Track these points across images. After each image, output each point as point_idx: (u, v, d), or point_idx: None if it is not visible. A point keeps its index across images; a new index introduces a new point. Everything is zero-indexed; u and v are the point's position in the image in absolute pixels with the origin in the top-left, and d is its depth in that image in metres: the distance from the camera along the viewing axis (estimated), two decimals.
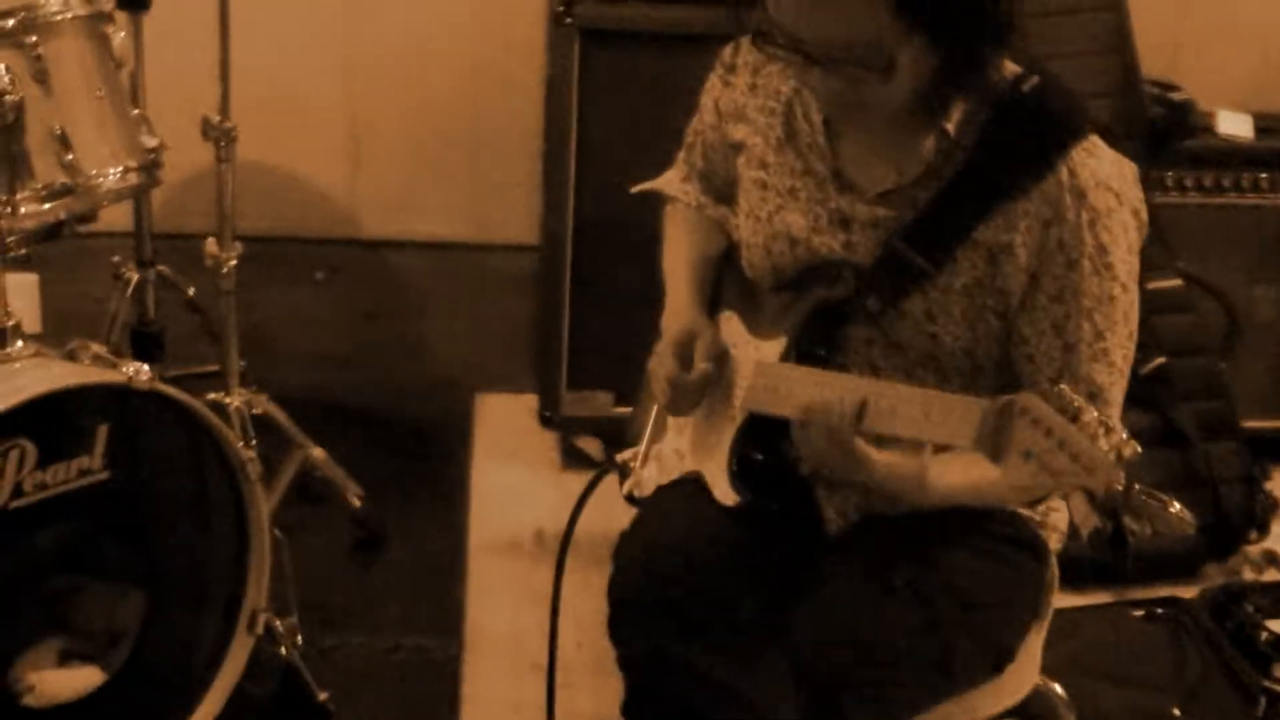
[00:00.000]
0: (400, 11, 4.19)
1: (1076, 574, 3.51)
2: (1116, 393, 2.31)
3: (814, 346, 2.40)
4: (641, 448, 2.62)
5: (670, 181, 2.74)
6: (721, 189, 2.65)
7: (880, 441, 2.19)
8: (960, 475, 2.28)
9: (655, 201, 2.78)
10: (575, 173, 3.86)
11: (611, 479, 2.69)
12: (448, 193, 4.35)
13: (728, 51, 2.58)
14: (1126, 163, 2.31)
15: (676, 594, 2.37)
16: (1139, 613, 3.56)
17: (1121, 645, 3.48)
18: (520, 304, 4.34)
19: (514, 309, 4.37)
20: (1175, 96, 4.06)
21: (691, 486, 2.51)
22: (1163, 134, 4.01)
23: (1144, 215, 2.32)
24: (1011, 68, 2.33)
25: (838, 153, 2.41)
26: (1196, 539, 3.74)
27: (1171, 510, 1.97)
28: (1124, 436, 1.95)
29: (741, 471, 2.43)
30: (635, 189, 2.81)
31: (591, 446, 4.10)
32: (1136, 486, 1.96)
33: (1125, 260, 2.28)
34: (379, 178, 4.33)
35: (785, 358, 2.41)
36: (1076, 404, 1.98)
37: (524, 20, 4.07)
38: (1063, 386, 2.07)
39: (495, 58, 4.21)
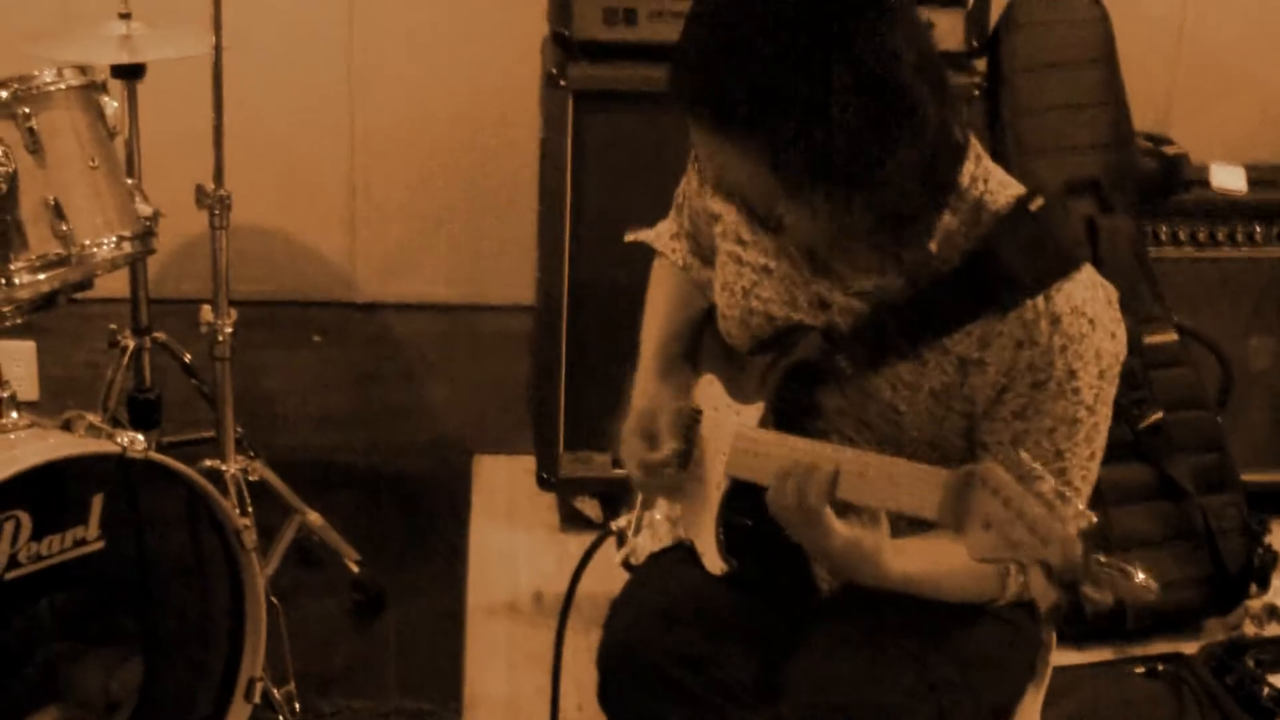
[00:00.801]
0: (399, 76, 4.21)
1: (1078, 631, 3.51)
2: None
3: (791, 411, 2.39)
4: (634, 515, 2.61)
5: (661, 236, 2.75)
6: (706, 253, 2.65)
7: (842, 512, 2.17)
8: (919, 562, 2.25)
9: (649, 260, 2.79)
10: (570, 234, 3.87)
11: (610, 542, 2.68)
12: (444, 255, 4.36)
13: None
14: (1107, 286, 2.28)
15: (666, 661, 2.36)
16: (1140, 669, 3.54)
17: (1123, 702, 3.46)
18: (517, 365, 4.34)
19: (511, 370, 4.37)
20: (1168, 150, 4.07)
21: (683, 553, 2.50)
22: (1156, 188, 4.01)
23: (1122, 338, 2.28)
24: (1015, 187, 2.31)
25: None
26: (1197, 593, 3.74)
27: (1136, 580, 1.94)
28: (1081, 507, 1.93)
29: (730, 538, 2.42)
30: (628, 237, 2.81)
31: (590, 508, 4.10)
32: (1099, 557, 1.94)
33: (1093, 385, 2.25)
34: (376, 240, 4.34)
35: (764, 423, 2.40)
36: (1036, 471, 1.96)
37: (519, 83, 4.08)
38: (1023, 453, 2.04)
39: (491, 120, 4.23)
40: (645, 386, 2.61)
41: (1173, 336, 3.86)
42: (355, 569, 3.75)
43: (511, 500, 4.24)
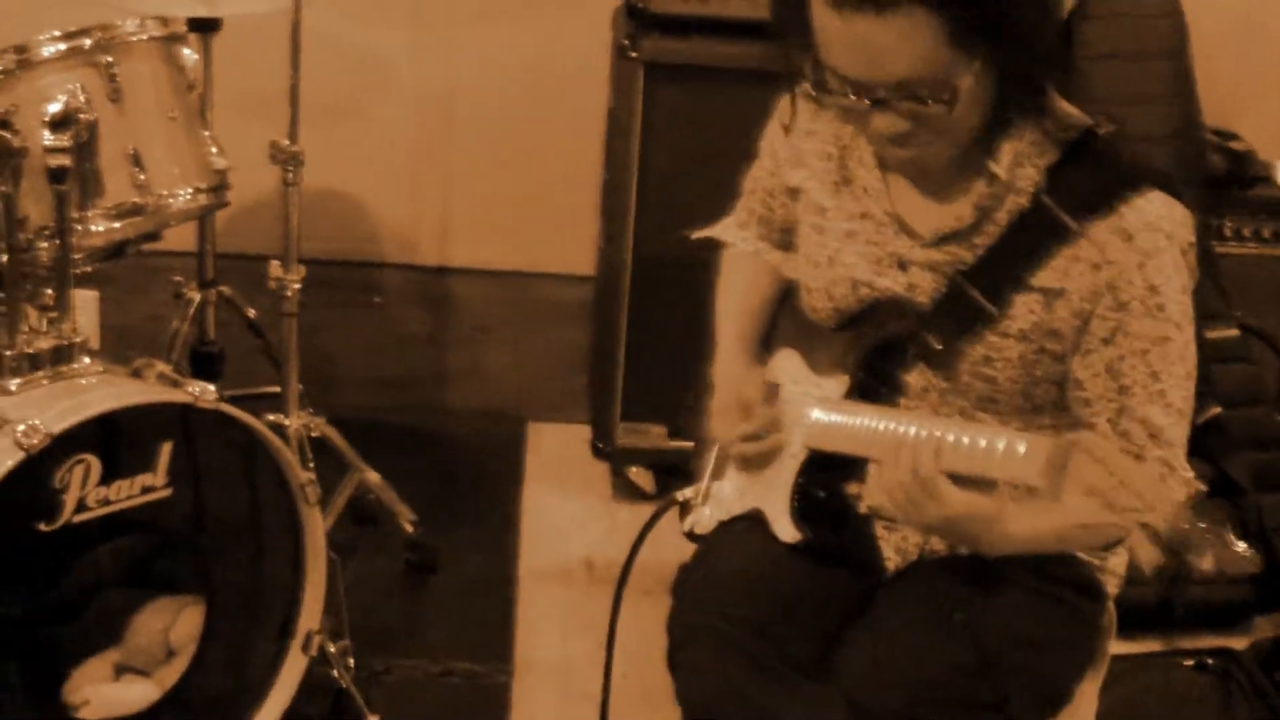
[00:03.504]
0: (468, 42, 4.22)
1: (1127, 622, 3.51)
2: (1177, 433, 2.28)
3: (875, 384, 2.42)
4: (703, 485, 2.63)
5: (727, 228, 2.76)
6: (780, 234, 2.66)
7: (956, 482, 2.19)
8: (1035, 520, 2.25)
9: (713, 239, 2.80)
10: (635, 205, 3.88)
11: (670, 514, 2.69)
12: (507, 221, 4.37)
13: (787, 98, 2.59)
14: (1179, 206, 2.29)
15: (736, 629, 2.37)
16: (1189, 663, 3.55)
17: (1171, 695, 3.47)
18: (576, 334, 4.36)
19: (570, 339, 4.39)
20: (1235, 146, 4.06)
21: (752, 523, 2.51)
22: (1222, 183, 4.01)
23: (1192, 259, 2.30)
24: (1083, 117, 2.34)
25: (893, 198, 2.43)
26: (1248, 590, 3.73)
27: (1236, 549, 1.97)
28: (1187, 475, 1.95)
29: (802, 509, 2.44)
30: (694, 236, 2.82)
31: (643, 479, 4.11)
32: (1200, 524, 1.96)
33: (1178, 300, 2.27)
34: (440, 204, 4.36)
35: (848, 395, 2.42)
36: (1140, 443, 1.97)
37: (588, 52, 4.09)
38: (1126, 427, 2.05)
39: (559, 89, 4.23)
40: (729, 367, 2.62)
41: (1234, 332, 3.84)
42: (410, 529, 3.77)
43: (565, 468, 4.25)
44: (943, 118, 2.20)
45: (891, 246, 2.42)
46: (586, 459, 4.11)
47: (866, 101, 2.21)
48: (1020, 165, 2.30)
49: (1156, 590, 3.60)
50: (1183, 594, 3.62)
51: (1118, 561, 2.54)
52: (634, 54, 3.76)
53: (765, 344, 2.66)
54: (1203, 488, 1.96)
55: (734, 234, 2.74)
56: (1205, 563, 1.96)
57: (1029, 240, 2.30)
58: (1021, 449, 2.11)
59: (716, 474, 2.62)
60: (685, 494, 2.64)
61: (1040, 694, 2.42)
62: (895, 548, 2.49)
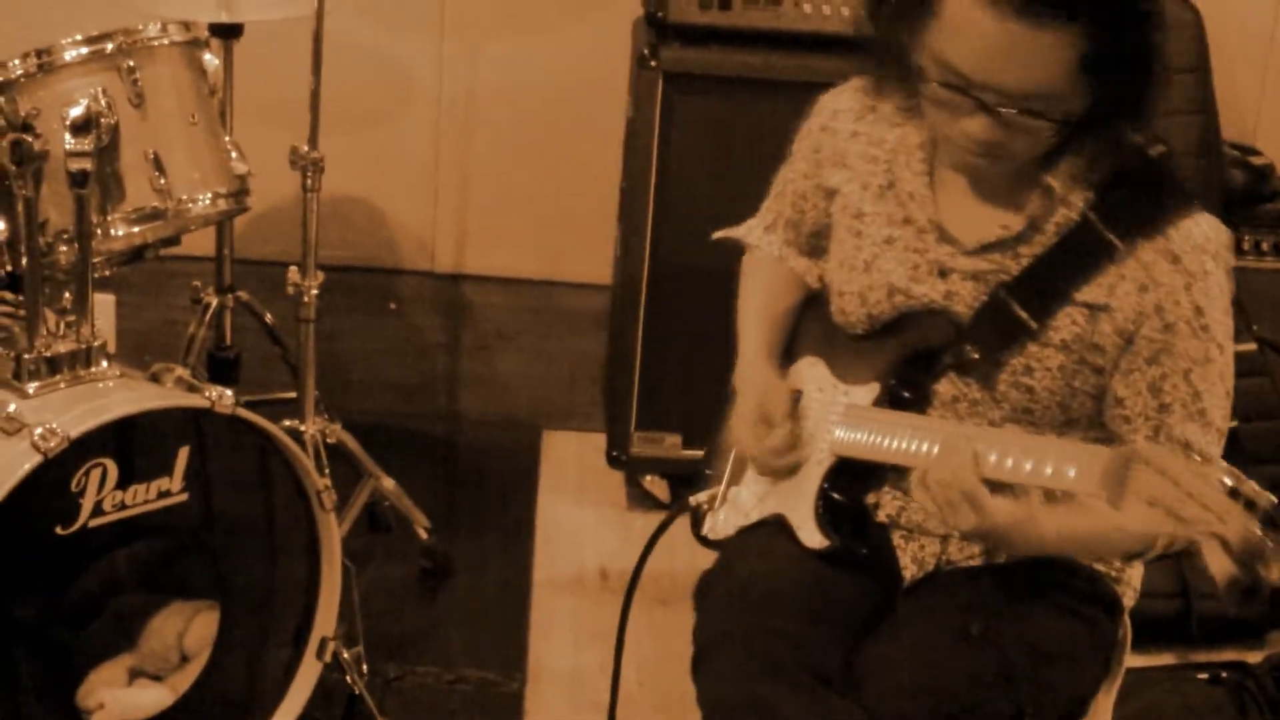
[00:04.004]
0: (489, 50, 4.22)
1: (1142, 635, 3.50)
2: (1213, 451, 2.30)
3: (903, 393, 2.41)
4: (720, 490, 2.62)
5: (751, 230, 2.74)
6: (808, 239, 2.65)
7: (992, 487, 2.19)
8: (1073, 522, 2.25)
9: (732, 246, 2.78)
10: (653, 215, 3.88)
11: (680, 520, 2.68)
12: (525, 229, 4.37)
13: (828, 97, 2.58)
14: (1224, 229, 2.31)
15: (762, 637, 2.36)
16: (1204, 676, 3.54)
17: (1185, 707, 3.46)
18: (592, 343, 4.36)
19: (585, 347, 4.39)
20: (1255, 161, 4.07)
21: (774, 529, 2.49)
22: (1241, 197, 4.01)
23: (1232, 280, 2.33)
24: (1135, 138, 2.34)
25: (938, 204, 2.42)
26: (1263, 604, 3.72)
27: None
28: (1256, 486, 1.94)
29: (827, 514, 2.43)
30: (716, 236, 2.81)
31: (658, 488, 4.10)
32: (1269, 535, 1.95)
33: (1221, 321, 2.29)
34: (458, 212, 4.36)
35: (878, 403, 2.42)
36: (1199, 458, 1.98)
37: (608, 62, 4.09)
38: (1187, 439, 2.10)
39: (578, 98, 4.23)
40: (752, 374, 2.61)
41: (1252, 347, 3.83)
42: (425, 536, 3.77)
43: (580, 477, 4.25)
44: (1042, 137, 2.22)
45: (932, 254, 2.41)
46: (601, 467, 4.10)
47: (971, 101, 2.21)
48: (1075, 180, 2.32)
49: (1172, 604, 3.60)
50: (1198, 607, 3.63)
51: (1134, 574, 2.54)
52: (653, 63, 3.76)
53: (787, 351, 2.65)
54: (1274, 500, 1.94)
55: (759, 236, 2.72)
56: (1274, 574, 1.95)
57: (1075, 255, 2.31)
58: (1071, 473, 2.10)
59: (734, 479, 2.61)
60: (699, 499, 2.63)
61: (1056, 706, 2.41)
62: (912, 557, 2.48)
